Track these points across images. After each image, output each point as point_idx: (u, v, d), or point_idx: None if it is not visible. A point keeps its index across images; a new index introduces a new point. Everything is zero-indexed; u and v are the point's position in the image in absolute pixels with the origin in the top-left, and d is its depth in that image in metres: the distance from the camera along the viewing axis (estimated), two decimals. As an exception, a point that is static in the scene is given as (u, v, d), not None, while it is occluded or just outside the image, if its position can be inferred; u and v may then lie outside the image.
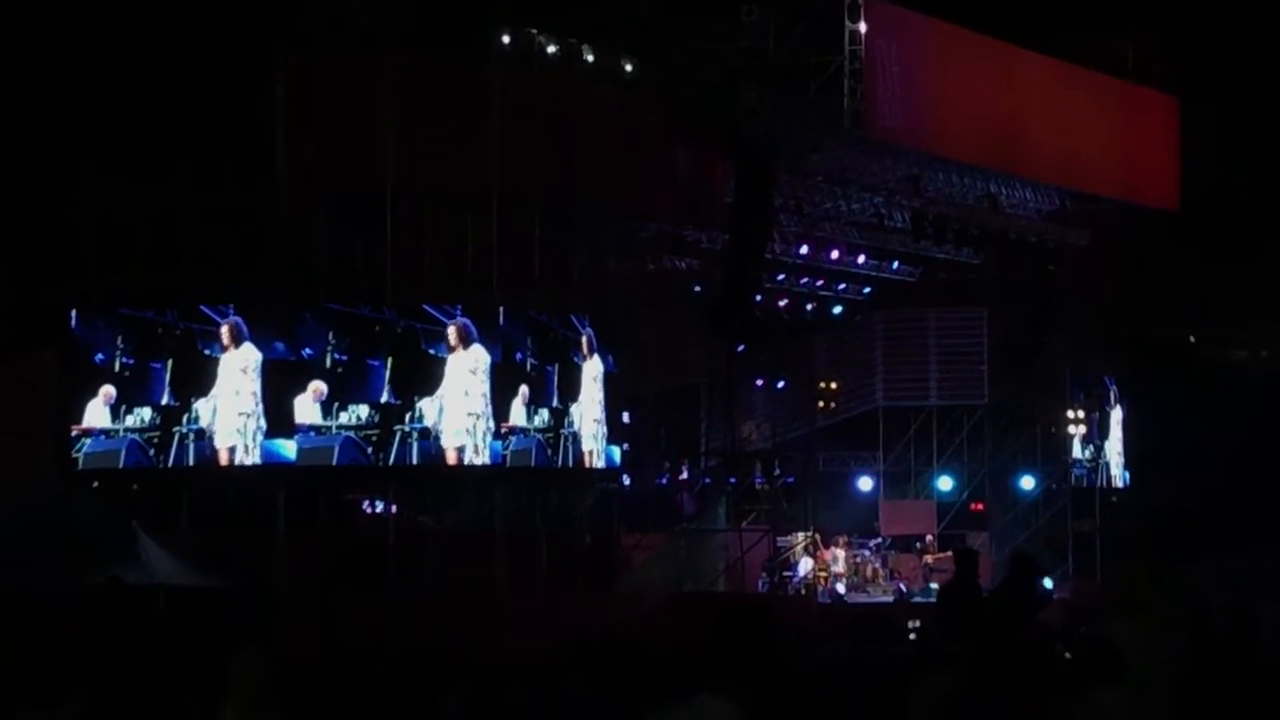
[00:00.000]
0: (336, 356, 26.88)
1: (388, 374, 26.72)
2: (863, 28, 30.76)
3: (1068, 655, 11.58)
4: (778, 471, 36.58)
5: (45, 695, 9.87)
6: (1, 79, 25.75)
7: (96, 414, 27.21)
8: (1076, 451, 38.18)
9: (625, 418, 30.54)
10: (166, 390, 27.23)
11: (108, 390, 27.22)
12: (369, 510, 29.62)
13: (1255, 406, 38.67)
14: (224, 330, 27.07)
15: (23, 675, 10.21)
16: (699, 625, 8.81)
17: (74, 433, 27.09)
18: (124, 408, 27.26)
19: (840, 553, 34.76)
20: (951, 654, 10.72)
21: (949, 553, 32.19)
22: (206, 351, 27.09)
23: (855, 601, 33.40)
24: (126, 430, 27.18)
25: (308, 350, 26.94)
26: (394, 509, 28.85)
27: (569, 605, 26.69)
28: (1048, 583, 32.34)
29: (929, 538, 35.54)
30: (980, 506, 37.32)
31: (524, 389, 27.22)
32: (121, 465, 27.34)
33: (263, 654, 9.44)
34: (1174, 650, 10.92)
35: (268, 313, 27.25)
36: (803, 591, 33.25)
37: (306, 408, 26.80)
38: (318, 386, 26.78)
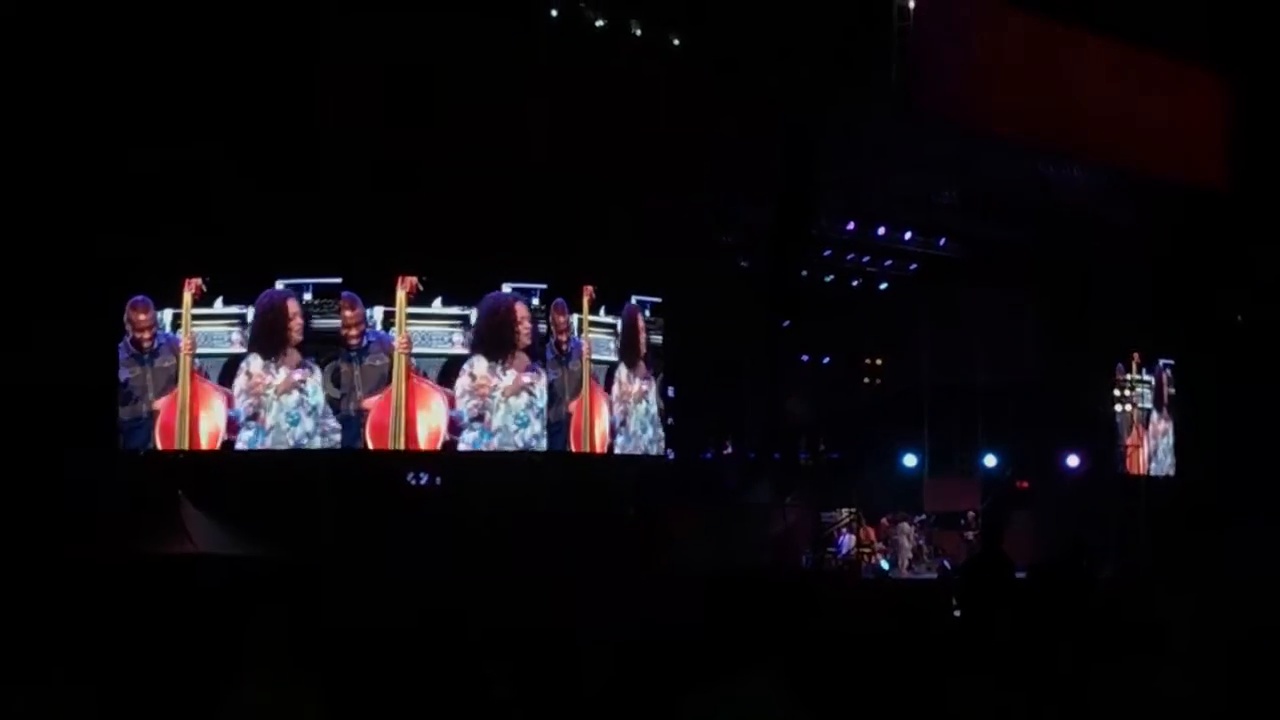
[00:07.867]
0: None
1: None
2: (912, 3, 30.56)
3: (1111, 631, 11.49)
4: (822, 447, 36.56)
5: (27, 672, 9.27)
6: (46, 45, 25.75)
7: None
8: (1122, 430, 38.01)
9: (670, 392, 30.55)
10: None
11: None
12: (414, 482, 29.66)
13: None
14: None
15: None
16: (741, 600, 8.74)
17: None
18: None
19: (909, 528, 34.84)
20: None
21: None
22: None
23: (898, 578, 33.35)
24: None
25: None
26: (438, 481, 28.93)
27: (612, 580, 26.65)
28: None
29: (970, 514, 35.49)
30: (1025, 484, 37.18)
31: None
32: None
33: (278, 617, 8.57)
34: (1225, 623, 10.80)
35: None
36: (845, 568, 33.20)
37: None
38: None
